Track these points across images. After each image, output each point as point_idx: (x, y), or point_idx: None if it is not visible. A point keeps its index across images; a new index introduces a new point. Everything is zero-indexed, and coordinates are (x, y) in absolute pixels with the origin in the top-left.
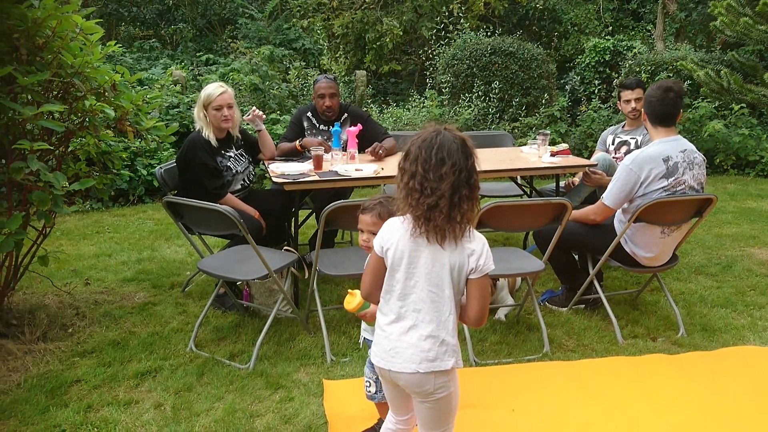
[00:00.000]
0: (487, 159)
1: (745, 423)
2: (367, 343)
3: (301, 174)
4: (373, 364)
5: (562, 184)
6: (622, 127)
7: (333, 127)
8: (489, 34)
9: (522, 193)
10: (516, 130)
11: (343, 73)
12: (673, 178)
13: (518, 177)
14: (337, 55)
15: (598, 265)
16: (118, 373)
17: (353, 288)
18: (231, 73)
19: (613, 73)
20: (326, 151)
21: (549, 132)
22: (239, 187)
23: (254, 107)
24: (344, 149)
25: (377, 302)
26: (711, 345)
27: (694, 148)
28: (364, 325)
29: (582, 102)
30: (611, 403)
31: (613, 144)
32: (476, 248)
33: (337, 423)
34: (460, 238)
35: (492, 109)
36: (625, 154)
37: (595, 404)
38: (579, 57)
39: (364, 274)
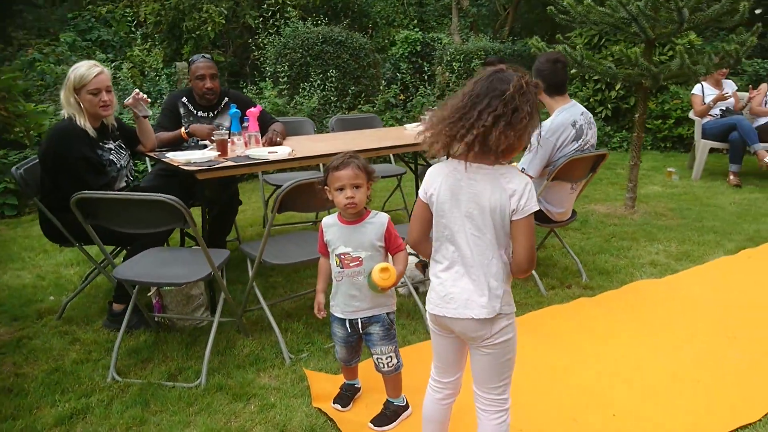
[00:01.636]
0: (378, 138)
1: (666, 339)
2: (332, 320)
3: (209, 161)
4: (339, 326)
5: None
6: None
7: (212, 114)
8: (316, 23)
9: (405, 170)
10: None
11: (160, 66)
12: (582, 139)
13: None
14: (148, 46)
15: None
16: (32, 426)
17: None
18: (38, 64)
19: (425, 63)
20: (209, 138)
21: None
22: (124, 184)
23: (136, 89)
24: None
25: (427, 251)
26: (613, 284)
27: (585, 109)
28: (334, 301)
29: (401, 91)
30: (566, 345)
31: None
32: (517, 188)
33: (342, 417)
34: (499, 178)
35: (333, 98)
36: None
37: (555, 349)
38: (392, 48)
39: (411, 223)
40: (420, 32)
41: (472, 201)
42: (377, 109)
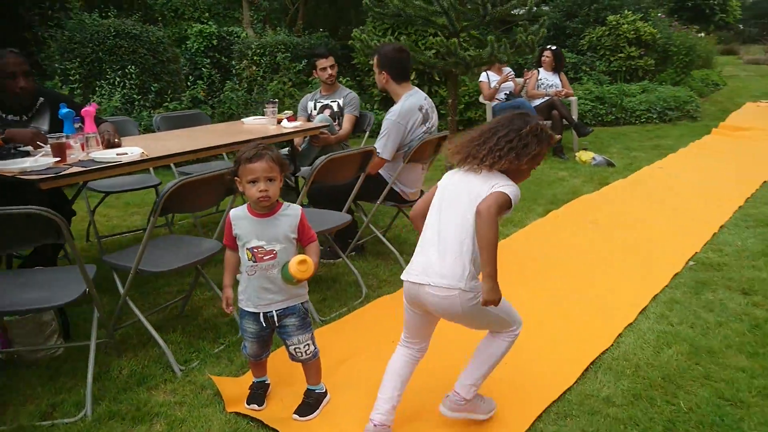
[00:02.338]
0: (230, 133)
1: (526, 289)
2: (242, 315)
3: (49, 168)
4: (251, 321)
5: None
6: (320, 92)
7: (27, 117)
8: (104, 15)
9: None
10: None
11: None
12: (429, 122)
13: None
14: None
15: (375, 208)
16: None
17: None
18: None
19: (223, 58)
20: (43, 142)
21: (277, 101)
22: None
23: None
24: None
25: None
26: None
27: (426, 94)
28: (244, 295)
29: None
30: None
31: (315, 109)
32: (499, 182)
33: (264, 416)
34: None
35: (136, 96)
36: (331, 115)
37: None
38: (186, 42)
39: (419, 202)
40: (215, 26)
41: (458, 189)
42: (185, 106)
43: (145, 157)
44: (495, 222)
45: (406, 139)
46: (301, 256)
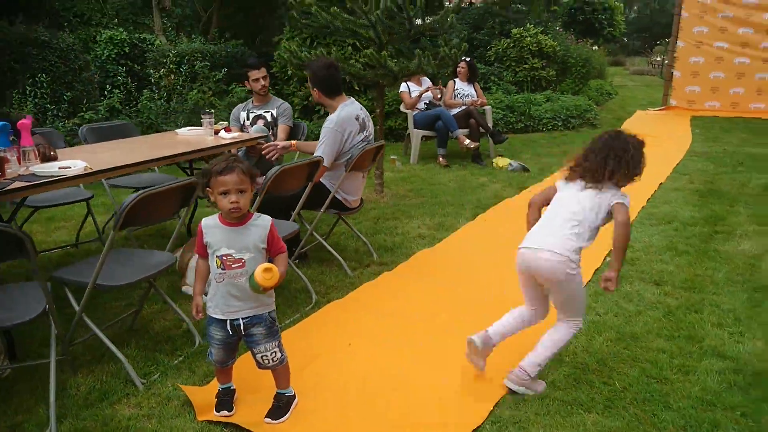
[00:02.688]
0: (158, 144)
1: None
2: (210, 322)
3: None
4: (218, 328)
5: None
6: (252, 103)
7: None
8: (11, 22)
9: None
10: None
11: None
12: (366, 131)
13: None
14: None
15: (318, 217)
16: None
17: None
18: None
19: (136, 66)
20: None
21: (213, 112)
22: None
23: None
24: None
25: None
26: (400, 258)
27: (362, 105)
28: (212, 302)
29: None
30: (394, 311)
31: (248, 119)
32: (616, 193)
33: (238, 421)
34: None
35: (49, 106)
36: (265, 125)
37: (386, 317)
38: (96, 50)
39: (539, 196)
40: (125, 33)
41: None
42: (102, 116)
43: (90, 171)
44: (629, 228)
45: (345, 147)
46: (266, 264)
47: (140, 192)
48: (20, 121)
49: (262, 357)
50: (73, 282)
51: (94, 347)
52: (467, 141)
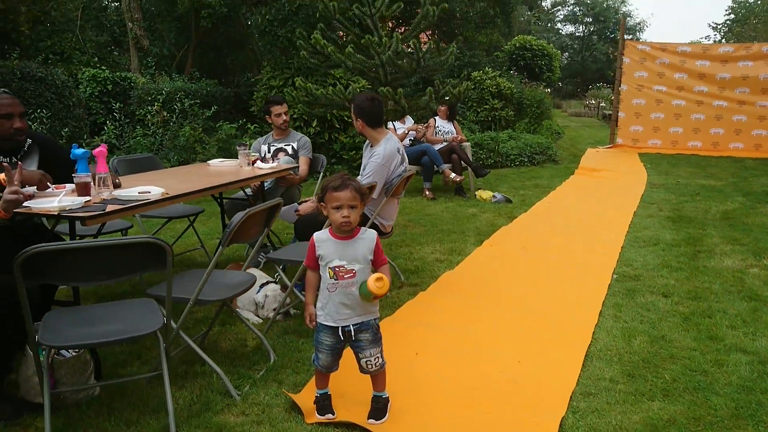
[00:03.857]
0: (198, 175)
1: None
2: (321, 329)
3: (83, 207)
4: (329, 334)
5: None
6: (273, 136)
7: (16, 159)
8: (6, 57)
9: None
10: None
11: None
12: (404, 163)
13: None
14: None
15: None
16: None
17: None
18: None
19: (118, 103)
20: (41, 185)
21: (247, 143)
22: None
23: None
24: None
25: None
26: (427, 280)
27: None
28: (324, 311)
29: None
30: (444, 324)
31: (269, 152)
32: None
33: (348, 421)
34: None
35: None
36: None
37: (441, 330)
38: (78, 87)
39: None
40: (107, 71)
41: None
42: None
43: (166, 196)
44: None
45: (389, 178)
46: (378, 274)
47: (247, 211)
48: (96, 149)
49: (366, 362)
50: (172, 299)
51: (175, 364)
52: (453, 174)
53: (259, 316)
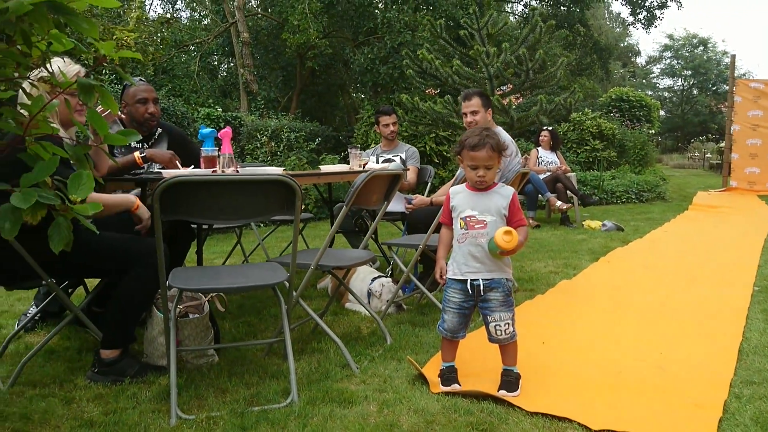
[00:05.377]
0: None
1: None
2: (449, 285)
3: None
4: (456, 290)
5: None
6: (381, 147)
7: (148, 144)
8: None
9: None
10: None
11: None
12: (519, 155)
13: None
14: None
15: None
16: None
17: None
18: None
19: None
20: (171, 164)
21: (359, 146)
22: None
23: None
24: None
25: None
26: (543, 287)
27: None
28: (453, 264)
29: None
30: (567, 322)
31: (377, 162)
32: None
33: (476, 391)
34: None
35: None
36: None
37: (565, 325)
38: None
39: None
40: (220, 110)
41: None
42: None
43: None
44: None
45: (508, 169)
46: (506, 228)
47: (369, 172)
48: (222, 131)
49: (495, 327)
50: (298, 265)
51: (292, 341)
52: (559, 203)
53: (370, 311)
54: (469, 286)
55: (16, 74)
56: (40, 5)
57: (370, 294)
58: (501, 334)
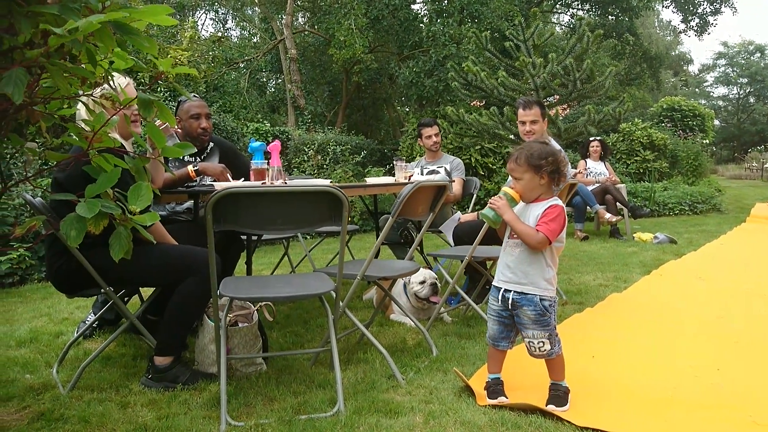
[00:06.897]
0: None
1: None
2: (491, 290)
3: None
4: (494, 297)
5: None
6: (425, 159)
7: (200, 158)
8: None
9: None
10: None
11: None
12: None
13: None
14: None
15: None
16: None
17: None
18: None
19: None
20: (222, 177)
21: (404, 158)
22: None
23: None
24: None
25: None
26: (592, 300)
27: None
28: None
29: None
30: (616, 335)
31: (422, 174)
32: None
33: (524, 405)
34: None
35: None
36: None
37: (613, 339)
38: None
39: None
40: (268, 124)
41: None
42: None
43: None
44: None
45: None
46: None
47: (415, 183)
48: (271, 144)
49: (529, 343)
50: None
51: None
52: (608, 215)
53: (416, 322)
54: (501, 298)
55: (80, 92)
56: (105, 24)
57: (405, 287)
58: (536, 351)
